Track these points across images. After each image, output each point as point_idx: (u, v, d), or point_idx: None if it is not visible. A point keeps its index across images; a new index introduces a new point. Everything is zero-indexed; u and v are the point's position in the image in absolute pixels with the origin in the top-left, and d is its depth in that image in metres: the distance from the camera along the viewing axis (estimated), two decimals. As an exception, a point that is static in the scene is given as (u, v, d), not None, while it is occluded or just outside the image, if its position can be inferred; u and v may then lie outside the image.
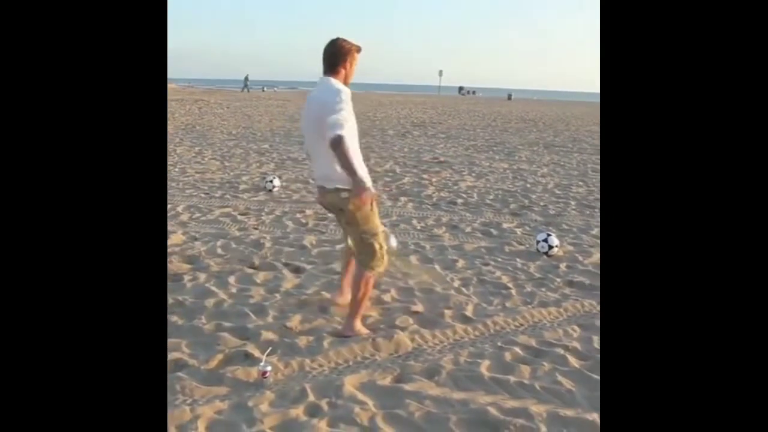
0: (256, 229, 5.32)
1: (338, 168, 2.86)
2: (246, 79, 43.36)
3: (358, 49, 3.05)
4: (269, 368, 2.66)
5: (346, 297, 3.34)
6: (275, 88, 52.37)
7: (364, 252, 3.06)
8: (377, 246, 3.05)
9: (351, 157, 2.81)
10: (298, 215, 5.86)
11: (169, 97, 26.74)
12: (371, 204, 3.00)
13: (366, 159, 7.55)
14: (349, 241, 3.19)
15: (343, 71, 3.01)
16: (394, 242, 3.82)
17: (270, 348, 2.89)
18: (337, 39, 3.02)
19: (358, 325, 3.16)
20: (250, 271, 4.13)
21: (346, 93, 2.92)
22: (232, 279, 3.91)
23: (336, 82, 2.98)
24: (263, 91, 41.67)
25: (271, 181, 7.01)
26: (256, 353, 2.85)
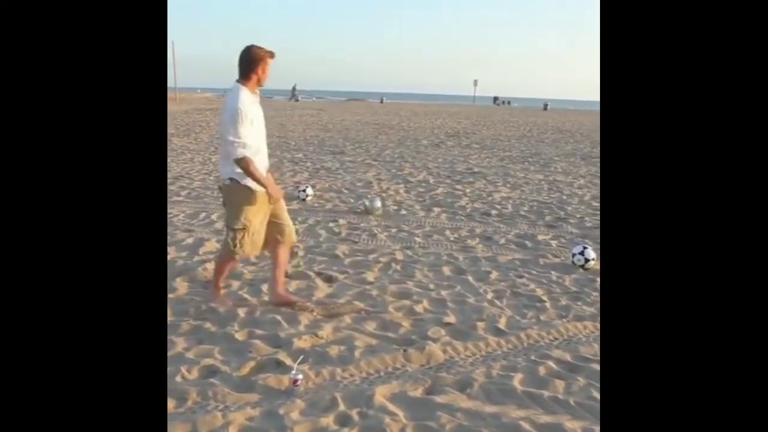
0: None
1: (226, 166, 3.34)
2: (293, 89, 44.24)
3: (271, 55, 3.30)
4: (300, 376, 2.66)
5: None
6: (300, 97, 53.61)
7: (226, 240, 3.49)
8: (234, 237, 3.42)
9: (254, 170, 3.26)
10: (331, 224, 5.89)
11: (208, 106, 27.32)
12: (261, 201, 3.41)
13: (400, 169, 7.70)
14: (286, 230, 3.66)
15: (255, 77, 3.29)
16: (378, 203, 6.24)
17: (301, 356, 2.90)
18: (251, 46, 3.28)
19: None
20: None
21: (243, 107, 3.18)
22: (264, 287, 3.94)
23: (241, 93, 3.23)
24: (297, 101, 42.40)
25: (304, 191, 7.07)
26: (288, 361, 2.87)
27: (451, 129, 20.81)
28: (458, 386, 2.72)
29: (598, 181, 9.49)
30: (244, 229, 3.39)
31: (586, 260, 4.63)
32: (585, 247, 4.76)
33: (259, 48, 3.26)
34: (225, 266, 3.65)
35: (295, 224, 5.85)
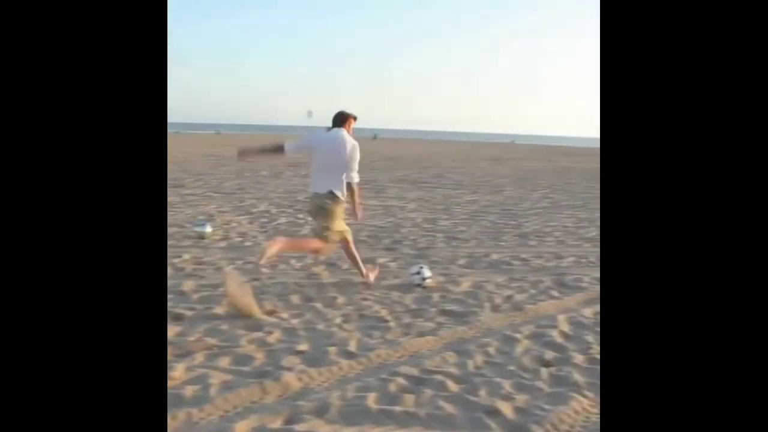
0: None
1: (332, 184, 4.81)
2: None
3: (355, 118, 5.08)
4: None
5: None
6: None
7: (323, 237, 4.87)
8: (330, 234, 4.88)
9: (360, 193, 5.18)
10: (176, 260, 5.66)
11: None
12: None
13: (241, 200, 7.56)
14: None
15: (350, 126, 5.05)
16: (209, 227, 6.79)
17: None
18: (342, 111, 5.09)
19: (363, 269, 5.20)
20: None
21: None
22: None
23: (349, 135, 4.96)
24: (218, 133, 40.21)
25: None
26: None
27: (289, 159, 20.90)
28: (316, 412, 2.82)
29: (427, 204, 10.24)
30: (334, 229, 4.83)
31: (423, 279, 5.03)
32: (421, 267, 5.17)
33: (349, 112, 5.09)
34: (307, 247, 5.16)
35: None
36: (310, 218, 5.62)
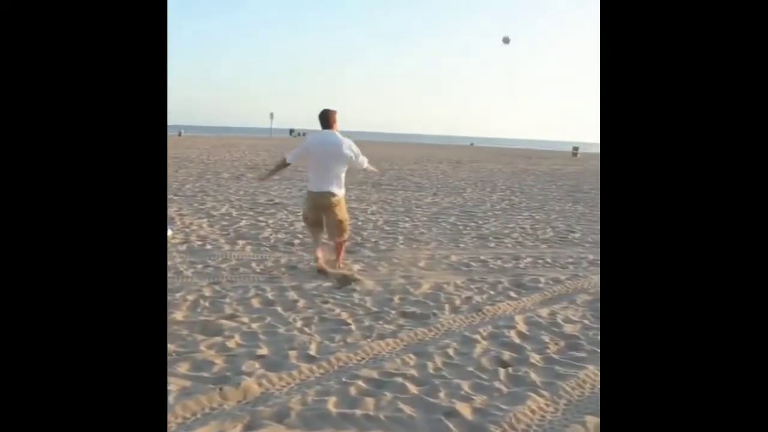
0: None
1: (335, 186, 5.48)
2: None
3: (336, 112, 5.53)
4: None
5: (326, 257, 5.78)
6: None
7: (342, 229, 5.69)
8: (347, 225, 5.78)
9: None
10: None
11: None
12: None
13: (202, 203, 7.49)
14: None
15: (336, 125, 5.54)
16: (169, 232, 6.73)
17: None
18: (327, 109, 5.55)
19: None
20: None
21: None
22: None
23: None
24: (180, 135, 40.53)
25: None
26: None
27: (250, 161, 20.69)
28: (276, 417, 2.82)
29: (388, 207, 10.30)
30: (346, 218, 5.67)
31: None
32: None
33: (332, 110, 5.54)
34: (340, 248, 5.86)
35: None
36: (306, 218, 5.75)
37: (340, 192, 5.47)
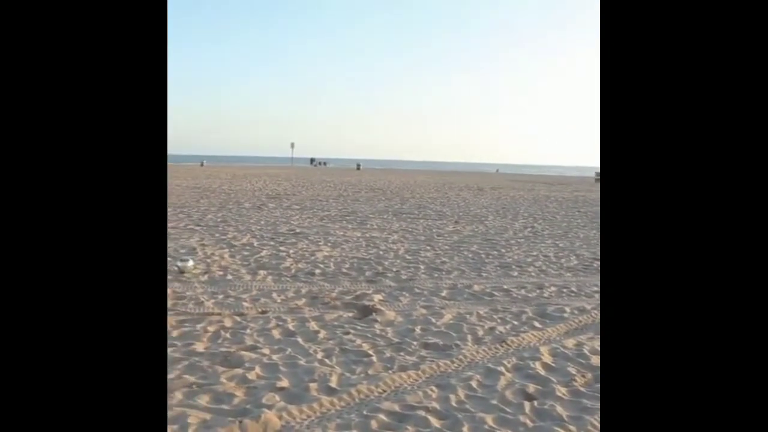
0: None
1: None
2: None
3: None
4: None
5: None
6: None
7: None
8: None
9: None
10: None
11: None
12: None
13: (223, 233, 7.69)
14: None
15: None
16: (190, 262, 6.74)
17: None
18: None
19: None
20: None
21: None
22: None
23: None
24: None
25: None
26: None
27: (272, 191, 20.92)
28: (296, 450, 2.78)
29: (409, 236, 10.26)
30: None
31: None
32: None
33: None
34: None
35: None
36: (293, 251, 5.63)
37: None
